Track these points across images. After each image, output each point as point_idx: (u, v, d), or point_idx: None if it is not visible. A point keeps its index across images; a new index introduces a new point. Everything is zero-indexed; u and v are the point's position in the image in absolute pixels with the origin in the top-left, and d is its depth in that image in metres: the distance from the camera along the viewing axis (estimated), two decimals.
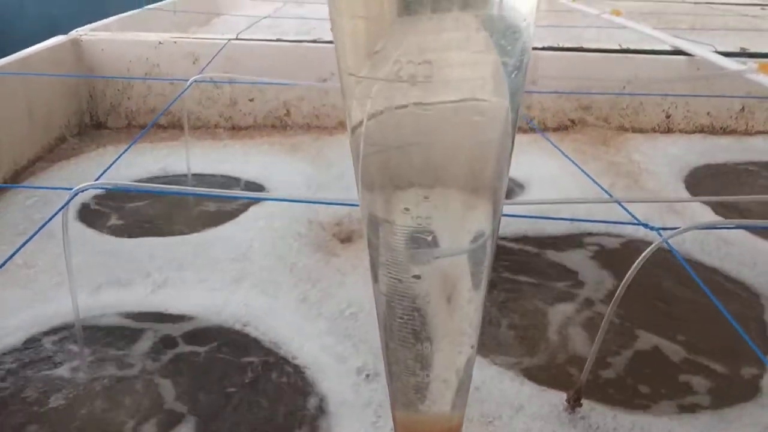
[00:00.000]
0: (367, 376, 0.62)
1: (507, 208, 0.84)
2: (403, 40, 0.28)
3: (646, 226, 0.58)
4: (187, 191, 0.78)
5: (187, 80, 1.00)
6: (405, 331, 0.31)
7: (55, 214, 0.63)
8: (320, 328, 0.70)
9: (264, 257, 0.84)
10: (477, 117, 0.30)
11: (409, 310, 0.31)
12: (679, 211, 0.96)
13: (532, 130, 1.41)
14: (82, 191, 0.60)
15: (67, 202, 0.58)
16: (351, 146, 0.32)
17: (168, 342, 0.69)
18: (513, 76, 0.30)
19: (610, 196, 0.65)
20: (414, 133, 0.30)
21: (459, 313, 0.32)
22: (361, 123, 0.30)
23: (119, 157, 0.76)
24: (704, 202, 0.99)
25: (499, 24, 0.29)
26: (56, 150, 1.23)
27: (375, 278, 0.33)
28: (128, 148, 0.81)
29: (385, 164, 0.31)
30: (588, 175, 0.73)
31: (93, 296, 0.75)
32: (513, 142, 0.33)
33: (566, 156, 0.85)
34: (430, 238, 0.31)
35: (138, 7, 1.81)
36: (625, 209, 0.63)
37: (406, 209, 0.30)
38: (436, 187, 0.31)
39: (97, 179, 0.70)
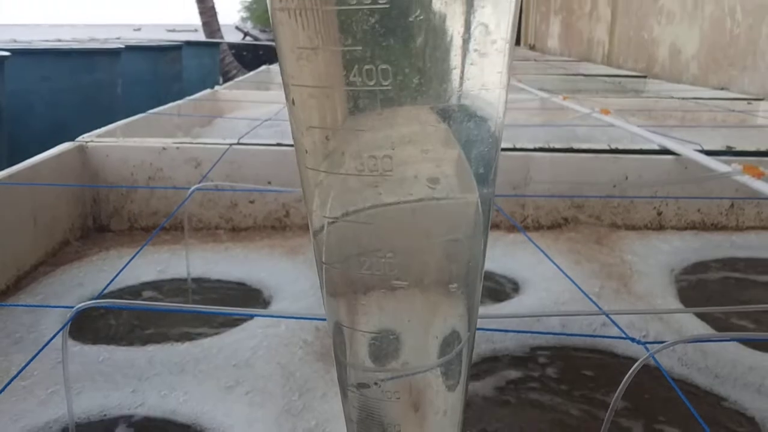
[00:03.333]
0: None
1: (489, 322, 0.85)
2: (357, 139, 0.27)
3: (633, 340, 0.60)
4: (189, 309, 0.80)
5: (189, 188, 1.04)
6: None
7: (56, 334, 0.64)
8: None
9: (265, 364, 0.85)
10: (439, 216, 0.28)
11: None
12: (663, 318, 0.97)
13: (525, 228, 1.43)
14: (82, 310, 0.61)
15: (67, 323, 0.60)
16: (314, 252, 0.30)
17: None
18: (481, 169, 0.28)
19: (599, 308, 0.67)
20: (372, 239, 0.28)
21: None
22: (322, 228, 0.29)
23: (119, 273, 0.78)
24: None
25: (461, 115, 0.27)
26: (59, 254, 1.25)
27: (344, 396, 0.32)
28: (127, 264, 0.83)
29: (346, 271, 0.29)
30: (574, 283, 0.75)
31: (88, 404, 0.76)
32: (486, 239, 0.31)
33: (553, 262, 0.87)
34: (398, 354, 0.30)
35: (144, 108, 1.87)
36: (612, 322, 0.64)
37: (374, 341, 0.30)
38: (399, 294, 0.29)
39: (98, 297, 0.71)
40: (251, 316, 0.93)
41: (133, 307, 0.84)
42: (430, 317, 0.30)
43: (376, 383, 0.31)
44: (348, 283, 0.30)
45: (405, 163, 0.27)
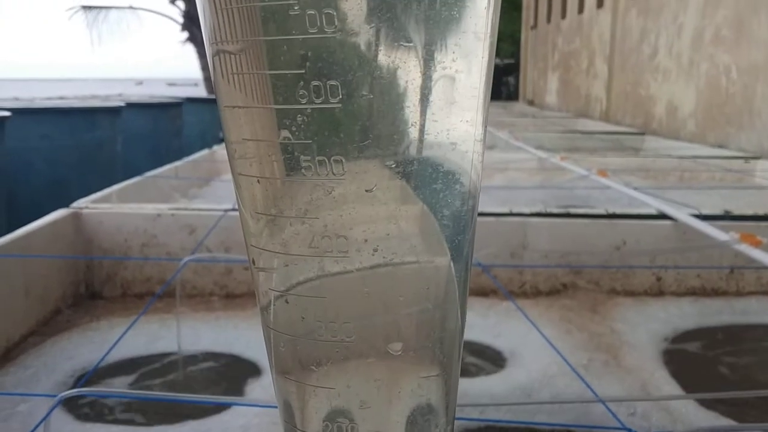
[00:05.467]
0: None
1: (469, 410, 0.82)
2: (296, 202, 0.24)
3: (629, 431, 0.58)
4: (178, 398, 0.78)
5: (182, 259, 1.03)
6: None
7: (39, 424, 0.63)
8: None
9: None
10: (400, 284, 0.25)
11: None
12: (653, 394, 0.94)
13: (523, 294, 1.42)
14: (67, 398, 0.60)
15: (50, 412, 0.58)
16: (262, 328, 0.28)
17: None
18: (454, 228, 0.25)
19: (595, 395, 0.65)
20: (319, 313, 0.25)
21: None
22: (269, 304, 0.27)
23: (108, 352, 0.77)
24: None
25: (423, 167, 0.24)
26: (50, 323, 1.24)
27: None
28: (116, 343, 0.82)
29: (294, 350, 0.27)
30: (565, 359, 0.73)
31: None
32: (464, 307, 0.27)
33: (542, 334, 0.86)
34: None
35: (144, 165, 1.88)
36: (608, 409, 0.63)
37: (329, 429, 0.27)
38: (357, 371, 0.26)
39: (87, 377, 0.70)
40: (250, 380, 0.91)
41: (113, 395, 0.82)
42: (394, 400, 0.26)
43: None
44: (298, 363, 0.27)
45: (351, 227, 0.24)
